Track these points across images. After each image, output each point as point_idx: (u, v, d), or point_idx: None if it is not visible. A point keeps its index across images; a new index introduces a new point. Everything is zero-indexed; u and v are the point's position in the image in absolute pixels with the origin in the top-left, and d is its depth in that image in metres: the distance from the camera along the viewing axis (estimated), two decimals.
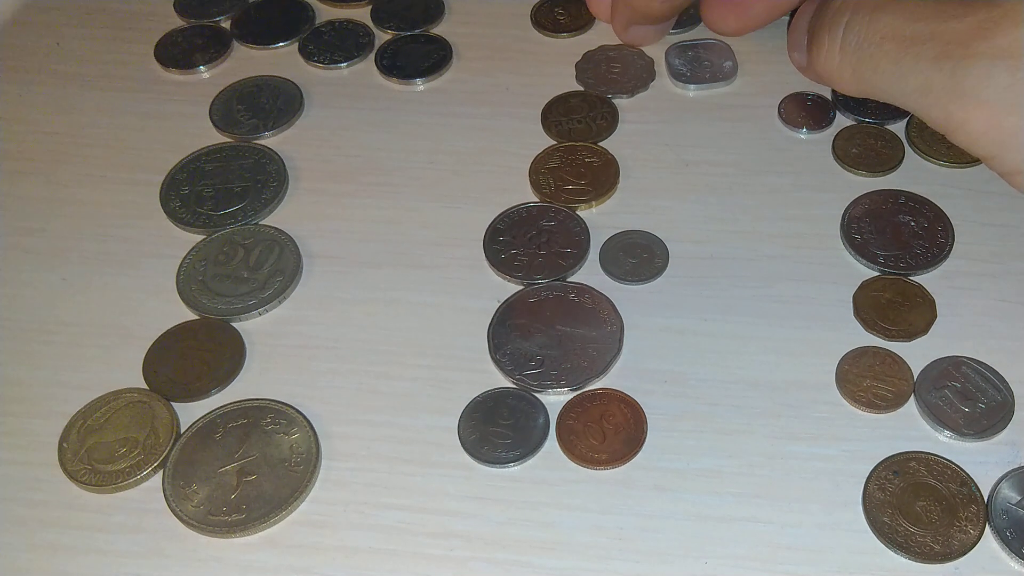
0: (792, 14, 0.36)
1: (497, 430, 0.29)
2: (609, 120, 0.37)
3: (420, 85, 0.40)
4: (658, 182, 0.35)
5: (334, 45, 0.41)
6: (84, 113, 0.39)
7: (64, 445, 0.29)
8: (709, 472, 0.28)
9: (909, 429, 0.28)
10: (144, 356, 0.31)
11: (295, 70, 0.41)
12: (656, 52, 0.40)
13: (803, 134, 0.37)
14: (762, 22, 0.39)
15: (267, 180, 0.36)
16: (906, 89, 0.29)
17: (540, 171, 0.35)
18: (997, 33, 0.26)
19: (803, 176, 0.35)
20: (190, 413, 0.30)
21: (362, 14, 0.43)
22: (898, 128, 0.36)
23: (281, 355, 0.31)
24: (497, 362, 0.30)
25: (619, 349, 0.30)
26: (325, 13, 0.43)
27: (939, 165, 0.35)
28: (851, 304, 0.31)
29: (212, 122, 0.38)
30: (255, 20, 0.43)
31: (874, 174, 0.35)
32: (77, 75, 0.41)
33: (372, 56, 0.41)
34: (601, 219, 0.34)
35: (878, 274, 0.32)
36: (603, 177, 0.35)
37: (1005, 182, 0.28)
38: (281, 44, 0.42)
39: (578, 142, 0.36)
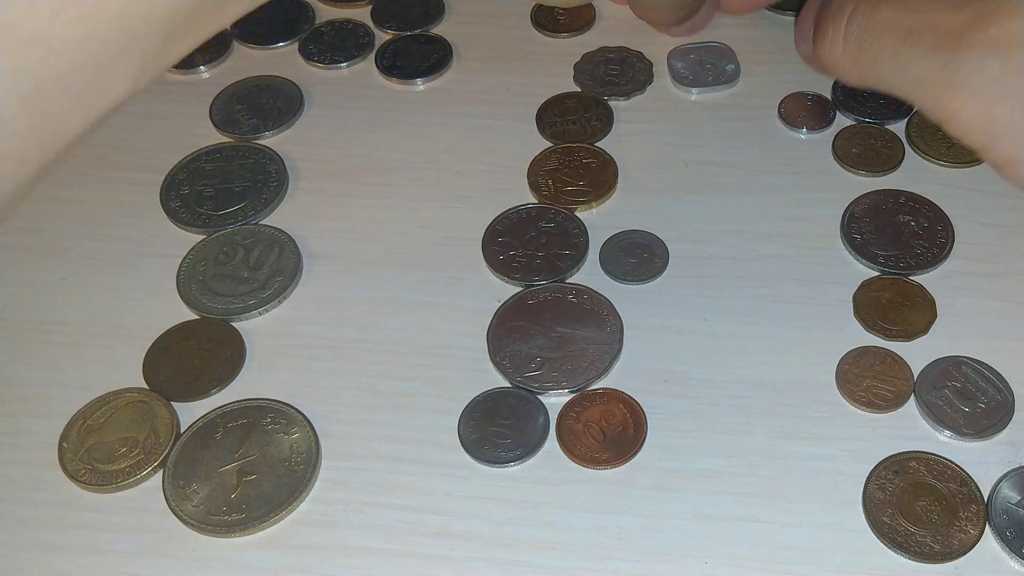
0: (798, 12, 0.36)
1: (497, 430, 0.29)
2: (604, 121, 0.37)
3: (420, 85, 0.40)
4: (658, 182, 0.35)
5: (334, 45, 0.41)
6: None
7: (64, 445, 0.29)
8: (709, 472, 0.28)
9: (909, 429, 0.28)
10: (144, 356, 0.31)
11: (295, 70, 0.40)
12: (656, 53, 0.40)
13: (803, 134, 0.37)
14: (764, 2, 0.40)
15: (267, 180, 0.36)
16: (904, 79, 0.29)
17: (539, 173, 0.35)
18: (991, 24, 0.27)
19: (803, 176, 0.35)
20: (190, 413, 0.30)
21: (362, 14, 0.43)
22: (898, 128, 0.36)
23: (281, 355, 0.31)
24: (497, 365, 0.30)
25: (619, 350, 0.30)
26: (325, 13, 0.43)
27: (939, 165, 0.35)
28: (851, 304, 0.31)
29: (212, 122, 0.38)
30: (255, 20, 0.42)
31: (874, 174, 0.35)
32: None
33: (372, 56, 0.41)
34: (601, 219, 0.34)
35: (878, 274, 0.32)
36: (602, 178, 0.35)
37: (1003, 178, 0.28)
38: (281, 44, 0.42)
39: (573, 143, 0.36)
